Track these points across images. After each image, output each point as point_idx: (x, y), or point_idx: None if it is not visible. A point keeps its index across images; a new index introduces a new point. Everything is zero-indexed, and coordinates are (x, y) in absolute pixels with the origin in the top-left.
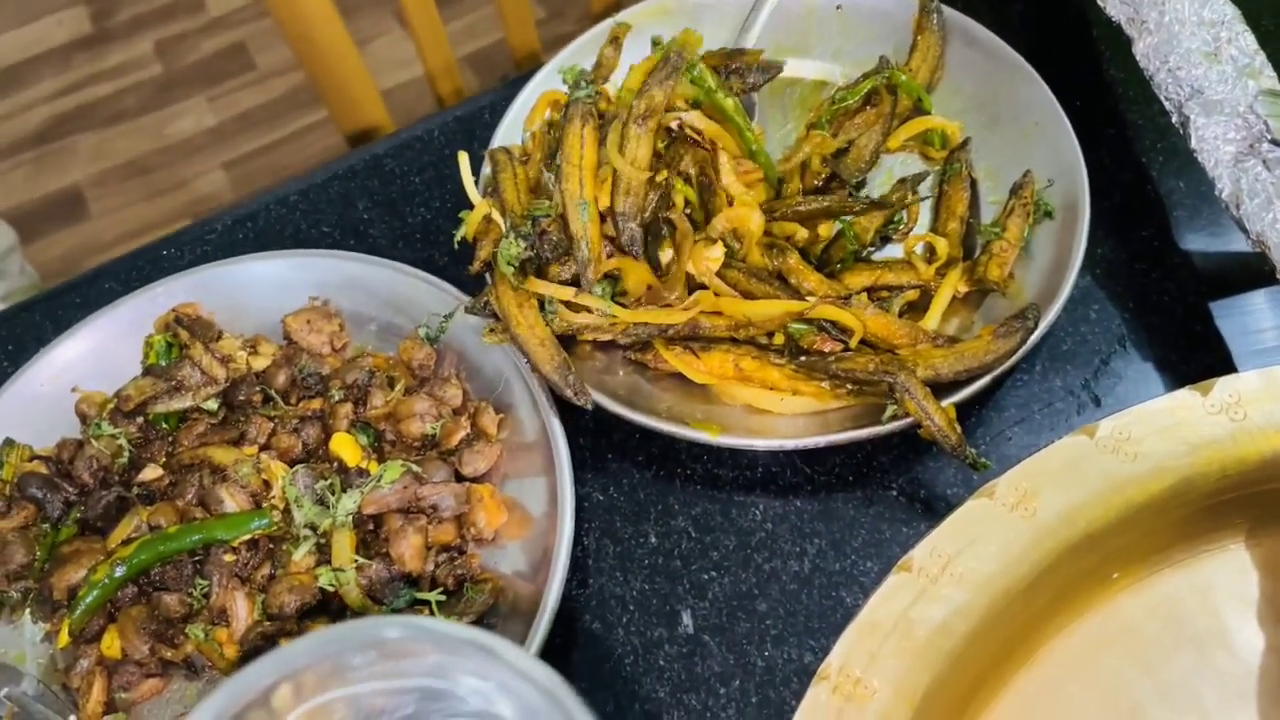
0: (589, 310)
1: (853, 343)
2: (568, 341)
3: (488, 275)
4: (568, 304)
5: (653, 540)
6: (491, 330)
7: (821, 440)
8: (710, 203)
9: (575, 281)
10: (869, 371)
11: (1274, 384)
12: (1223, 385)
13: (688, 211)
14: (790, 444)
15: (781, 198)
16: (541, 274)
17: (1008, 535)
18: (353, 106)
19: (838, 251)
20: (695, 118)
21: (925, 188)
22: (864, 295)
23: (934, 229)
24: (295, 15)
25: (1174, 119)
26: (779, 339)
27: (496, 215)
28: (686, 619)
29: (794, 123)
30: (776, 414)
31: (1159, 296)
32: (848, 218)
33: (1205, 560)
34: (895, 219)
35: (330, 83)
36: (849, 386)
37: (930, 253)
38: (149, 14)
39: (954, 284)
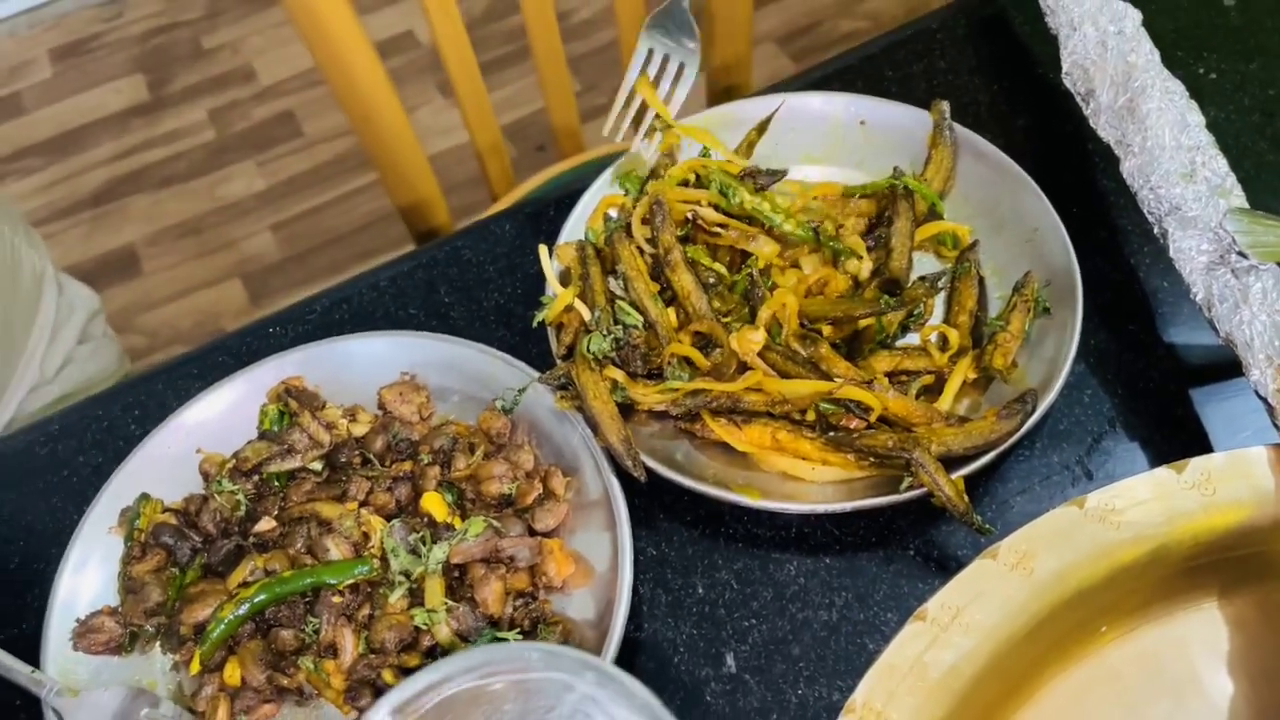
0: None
1: (872, 418)
2: (625, 409)
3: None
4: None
5: (699, 590)
6: (563, 398)
7: (848, 506)
8: (754, 295)
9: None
10: (888, 448)
11: (1239, 463)
12: (1195, 464)
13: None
14: (820, 508)
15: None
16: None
17: (1008, 591)
18: (404, 177)
19: (866, 338)
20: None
21: (940, 284)
22: (885, 379)
23: (946, 320)
24: (355, 95)
25: (1155, 230)
26: (810, 415)
27: (579, 305)
28: (730, 660)
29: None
30: (809, 481)
31: (1145, 383)
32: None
33: (1182, 617)
34: (915, 312)
35: (384, 153)
36: (871, 459)
37: (943, 342)
38: (203, 83)
39: (964, 371)
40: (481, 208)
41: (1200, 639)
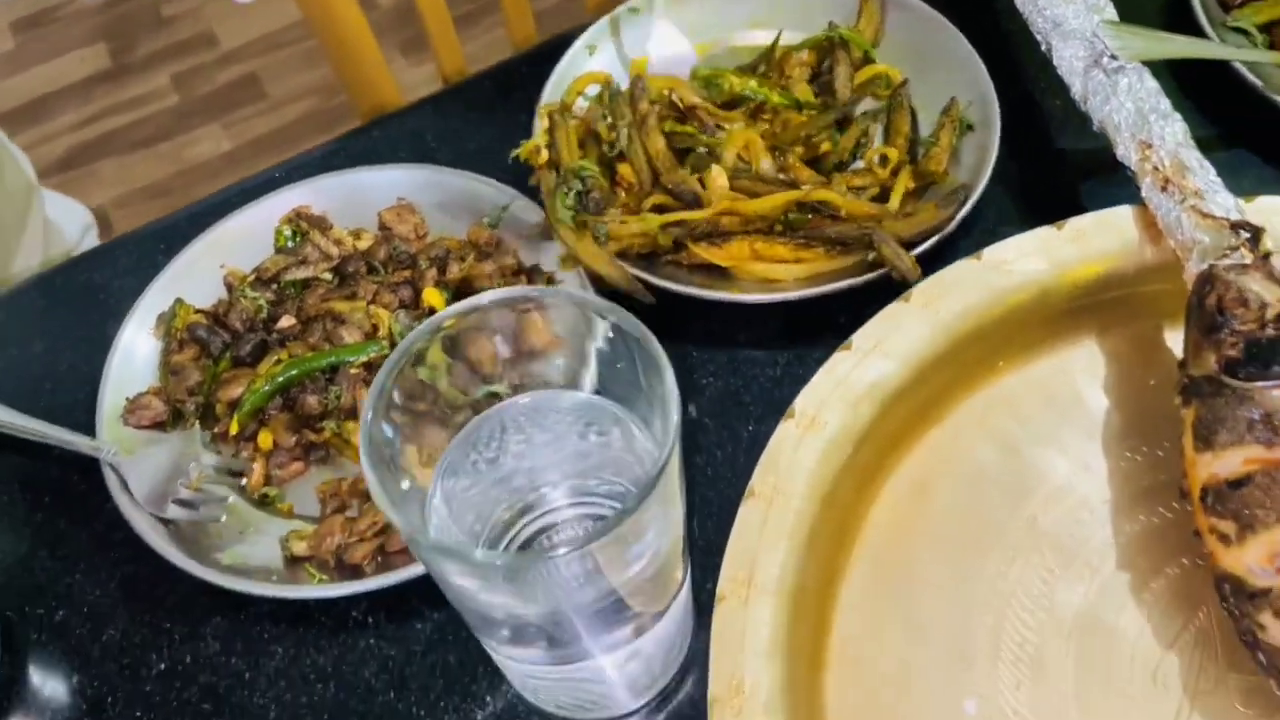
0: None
1: (842, 214)
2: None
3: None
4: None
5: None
6: (564, 261)
7: (823, 288)
8: (717, 150)
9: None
10: (854, 233)
11: (1109, 220)
12: (1072, 222)
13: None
14: (796, 294)
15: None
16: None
17: (919, 328)
18: (371, 89)
19: (825, 163)
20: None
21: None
22: (844, 187)
23: (885, 144)
24: (346, 53)
25: (1043, 47)
26: (779, 227)
27: (546, 156)
28: (692, 409)
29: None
30: (784, 280)
31: (1045, 180)
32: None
33: (1067, 352)
34: (861, 141)
35: (363, 92)
36: (839, 248)
37: (884, 161)
38: (165, 49)
39: (905, 180)
40: None
41: (1082, 368)
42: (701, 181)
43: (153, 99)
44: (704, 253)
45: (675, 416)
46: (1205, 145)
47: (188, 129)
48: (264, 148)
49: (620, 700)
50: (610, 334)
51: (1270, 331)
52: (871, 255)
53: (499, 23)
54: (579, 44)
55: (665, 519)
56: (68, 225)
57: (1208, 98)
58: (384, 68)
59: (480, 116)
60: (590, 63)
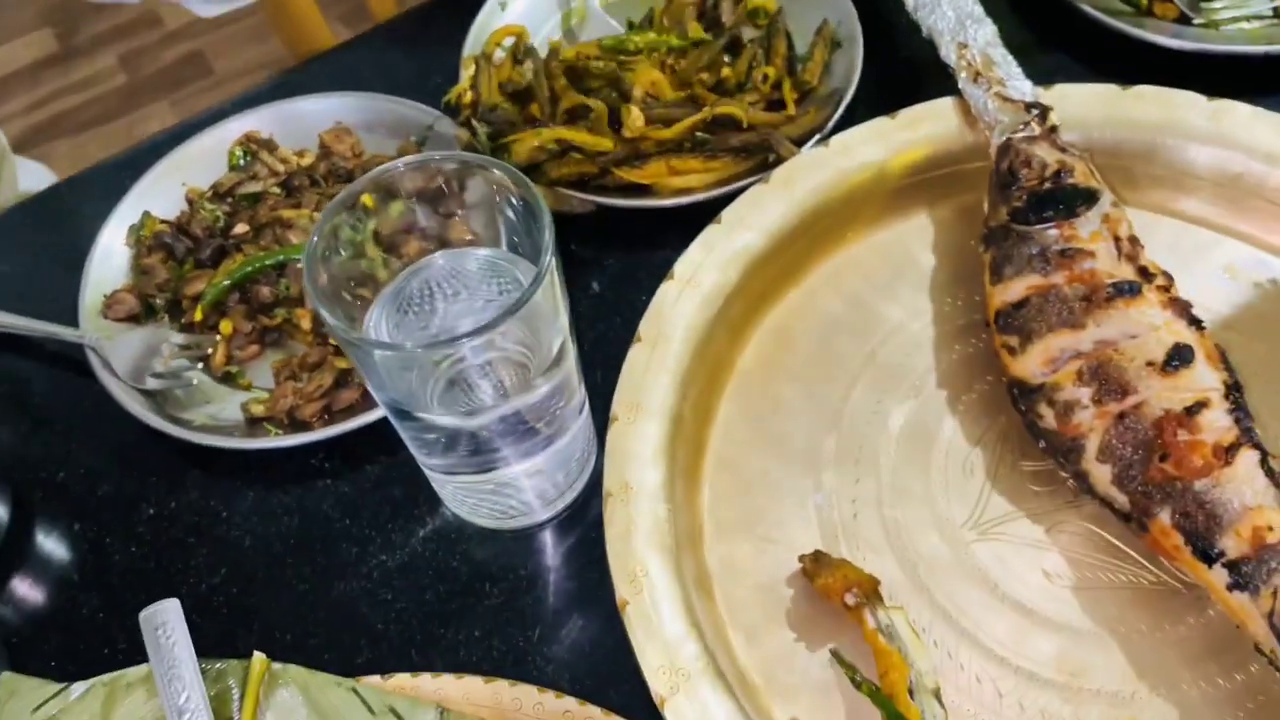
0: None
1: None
2: None
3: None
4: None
5: (572, 247)
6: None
7: (733, 187)
8: (622, 86)
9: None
10: (755, 139)
11: (935, 110)
12: (904, 113)
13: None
14: (706, 195)
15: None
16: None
17: (778, 205)
18: (305, 38)
19: (728, 84)
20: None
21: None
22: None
23: (767, 64)
24: (293, 25)
25: None
26: (688, 144)
27: (470, 98)
28: (595, 285)
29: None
30: (699, 189)
31: (896, 79)
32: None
33: (903, 222)
34: (753, 64)
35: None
36: (743, 154)
37: (765, 79)
38: (109, 31)
39: (789, 93)
40: None
41: (916, 236)
42: (617, 116)
43: (101, 79)
44: (627, 175)
45: (548, 235)
46: (1024, 49)
47: (136, 107)
48: None
49: (534, 509)
50: (498, 186)
51: (1047, 185)
52: (772, 157)
53: None
54: (491, 1)
55: (554, 326)
56: (35, 188)
57: (1028, 7)
58: (326, 31)
59: (406, 52)
60: (504, 17)
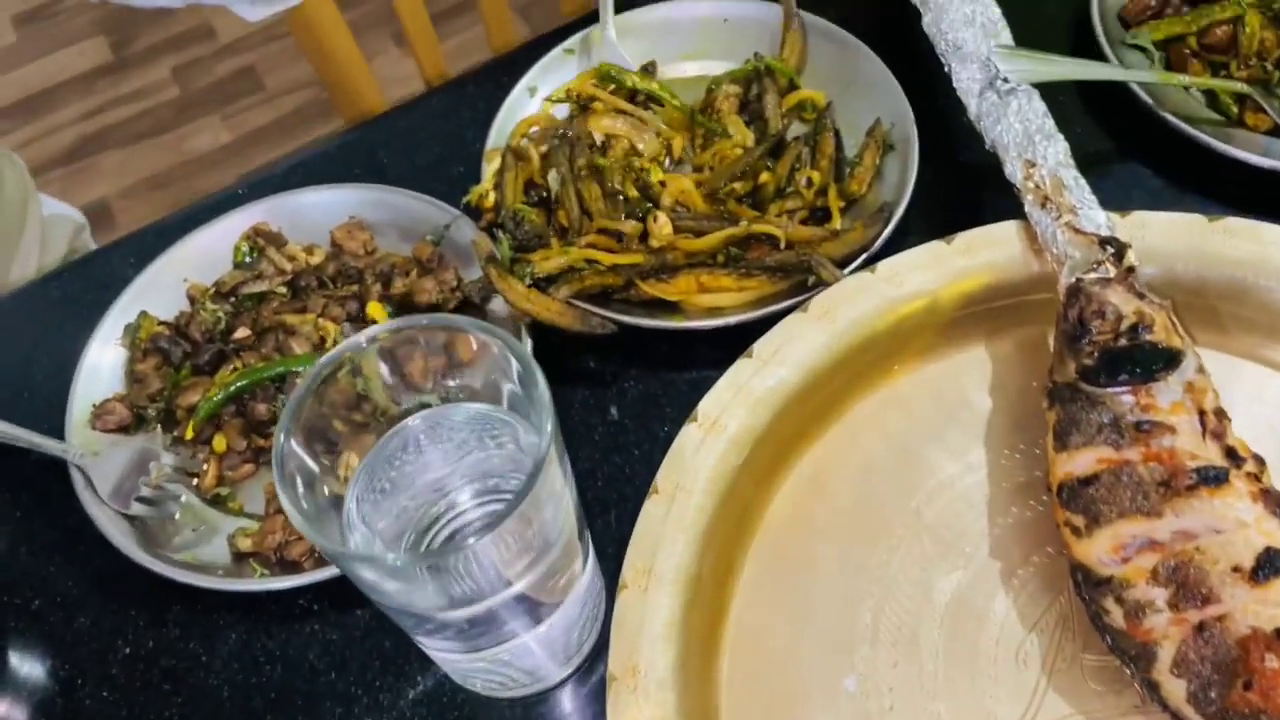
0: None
1: (781, 245)
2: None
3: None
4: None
5: (590, 364)
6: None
7: (768, 310)
8: (649, 191)
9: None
10: (794, 260)
11: (995, 234)
12: (961, 237)
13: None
14: (739, 318)
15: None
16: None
17: (816, 336)
18: (352, 90)
19: (766, 194)
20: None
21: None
22: (783, 216)
23: (812, 167)
24: (309, 30)
25: (945, 69)
26: (721, 258)
27: (493, 200)
28: (614, 411)
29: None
30: (729, 309)
31: (953, 193)
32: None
33: (957, 355)
34: (796, 166)
35: (342, 92)
36: (779, 274)
37: (809, 183)
38: (164, 42)
39: (835, 200)
40: None
41: (970, 372)
42: (643, 220)
43: (153, 91)
44: (653, 289)
45: (549, 424)
46: (1100, 159)
47: (188, 120)
48: (262, 139)
49: (536, 678)
50: (496, 350)
51: (1123, 342)
52: (811, 279)
53: (478, 20)
54: (519, 87)
55: (555, 508)
56: (61, 228)
57: (1106, 113)
58: (364, 69)
59: (429, 134)
60: (532, 105)
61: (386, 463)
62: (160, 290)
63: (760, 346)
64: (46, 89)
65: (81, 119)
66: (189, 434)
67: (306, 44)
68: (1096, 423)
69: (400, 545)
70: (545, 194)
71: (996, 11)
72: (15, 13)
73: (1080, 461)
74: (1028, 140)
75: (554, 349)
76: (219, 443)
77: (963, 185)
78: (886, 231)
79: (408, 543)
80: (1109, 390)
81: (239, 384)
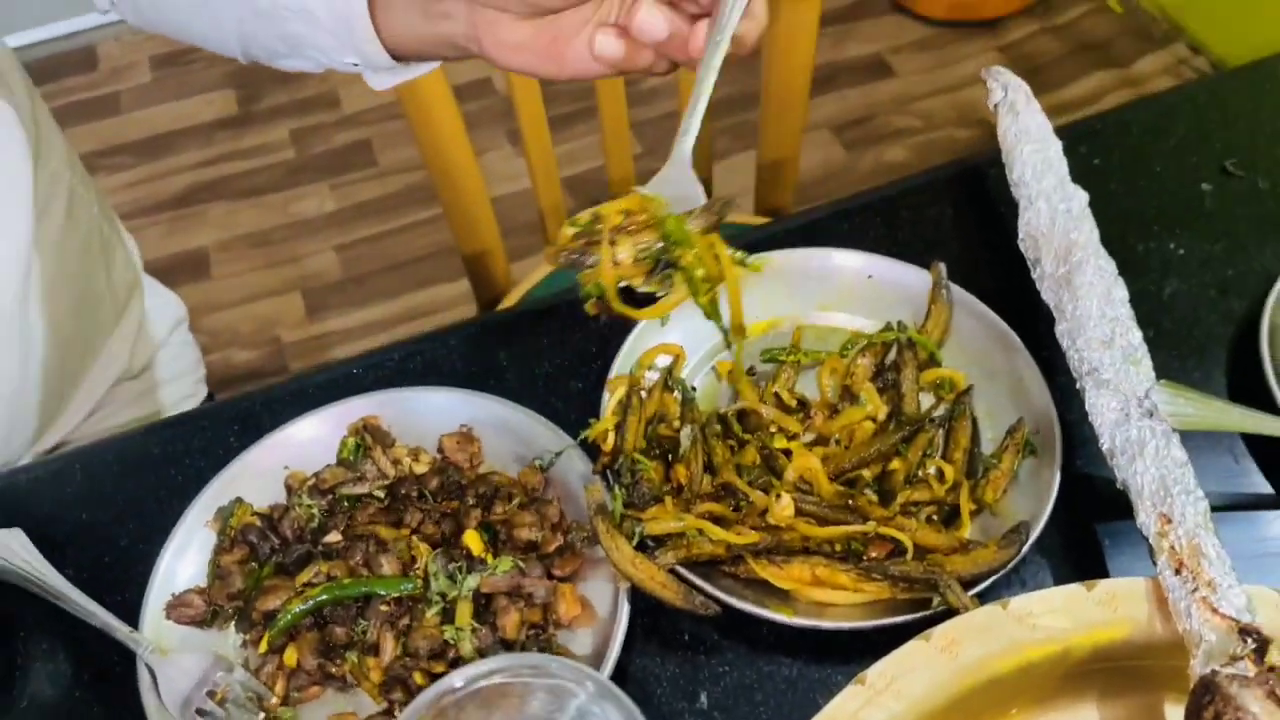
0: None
1: (909, 554)
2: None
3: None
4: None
5: (685, 637)
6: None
7: (882, 622)
8: (774, 462)
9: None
10: (920, 573)
11: (1134, 590)
12: (1103, 585)
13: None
14: (852, 625)
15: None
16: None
17: (936, 670)
18: (467, 213)
19: (894, 479)
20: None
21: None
22: (917, 519)
23: (944, 456)
24: (420, 107)
25: (1078, 385)
26: (839, 546)
27: (613, 442)
28: (704, 698)
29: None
30: (839, 604)
31: (1077, 514)
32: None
33: (1073, 710)
34: (928, 452)
35: (451, 190)
36: (901, 585)
37: (940, 475)
38: (289, 104)
39: (966, 502)
40: (538, 249)
41: None
42: (766, 492)
43: (270, 150)
44: (764, 571)
45: None
46: (1261, 506)
47: (297, 183)
48: (367, 212)
49: None
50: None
51: None
52: (936, 600)
53: (597, 128)
54: (635, 334)
55: None
56: (160, 318)
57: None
58: (468, 152)
59: (557, 340)
60: (663, 332)
61: None
62: (259, 474)
63: (874, 675)
64: (170, 132)
65: (197, 166)
66: (262, 648)
67: (416, 118)
68: None
69: None
70: (664, 445)
71: (1138, 335)
72: (155, 54)
73: None
74: (1163, 491)
75: (652, 608)
76: (290, 656)
77: (1089, 508)
78: (1020, 554)
79: None
80: None
81: (320, 598)
